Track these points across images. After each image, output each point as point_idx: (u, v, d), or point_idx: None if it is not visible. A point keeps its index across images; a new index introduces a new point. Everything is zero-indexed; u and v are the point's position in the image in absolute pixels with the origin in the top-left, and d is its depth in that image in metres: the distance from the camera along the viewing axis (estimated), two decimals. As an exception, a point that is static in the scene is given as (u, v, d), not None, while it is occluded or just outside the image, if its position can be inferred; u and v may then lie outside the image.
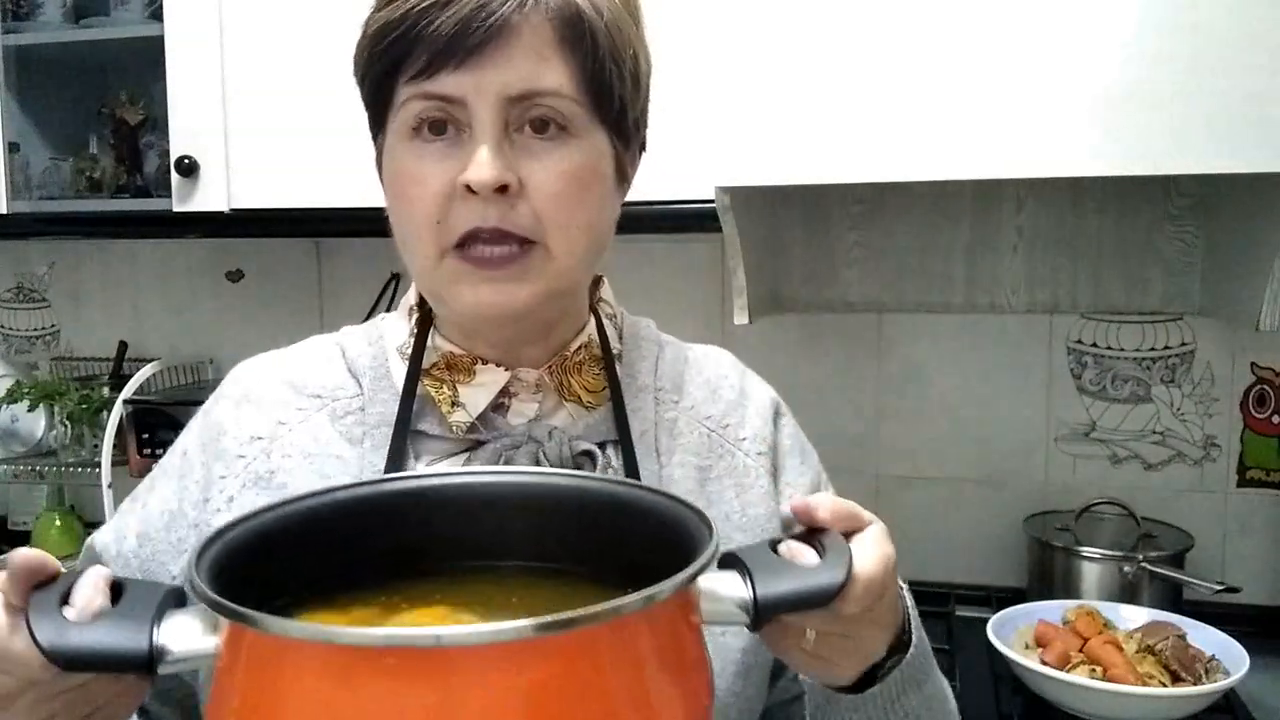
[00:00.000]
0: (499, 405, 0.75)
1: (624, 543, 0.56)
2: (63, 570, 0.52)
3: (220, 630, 0.47)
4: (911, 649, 0.66)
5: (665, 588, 0.45)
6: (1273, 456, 1.64)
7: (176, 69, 1.63)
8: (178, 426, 1.77)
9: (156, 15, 1.65)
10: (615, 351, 0.80)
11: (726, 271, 1.53)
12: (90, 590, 0.50)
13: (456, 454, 0.74)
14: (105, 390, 1.96)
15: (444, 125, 0.67)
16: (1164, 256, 1.65)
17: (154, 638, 0.47)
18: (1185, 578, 1.48)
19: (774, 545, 0.57)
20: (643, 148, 0.78)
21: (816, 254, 1.78)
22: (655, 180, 1.49)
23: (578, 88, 0.68)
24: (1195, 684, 1.25)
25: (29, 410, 1.97)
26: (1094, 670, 1.27)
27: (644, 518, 0.56)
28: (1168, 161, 1.21)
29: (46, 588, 0.51)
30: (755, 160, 1.31)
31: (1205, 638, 1.33)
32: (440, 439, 0.75)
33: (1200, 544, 1.58)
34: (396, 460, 0.72)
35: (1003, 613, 1.40)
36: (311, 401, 0.76)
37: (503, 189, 0.66)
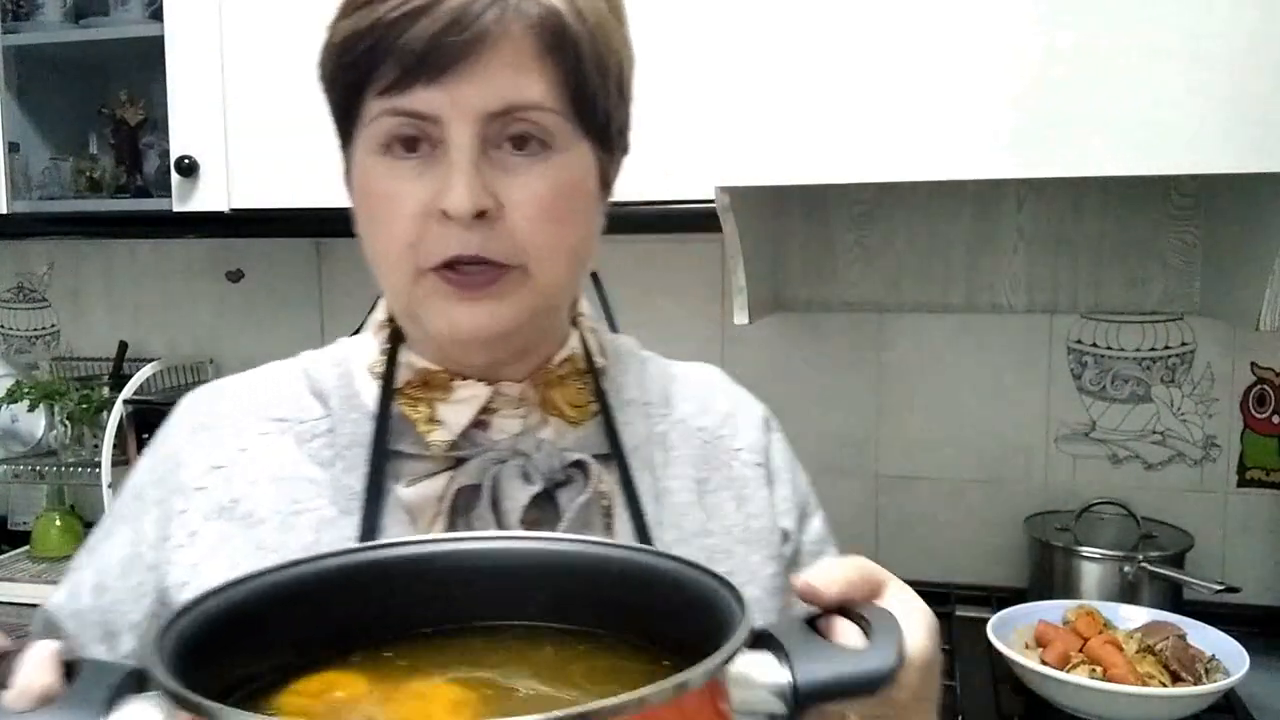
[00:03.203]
0: (480, 422, 0.71)
1: (643, 613, 0.51)
2: (10, 648, 0.47)
3: None
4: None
5: (697, 675, 0.39)
6: (1273, 456, 1.64)
7: (176, 69, 1.63)
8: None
9: (156, 15, 1.65)
10: (599, 365, 0.76)
11: (726, 271, 1.53)
12: (34, 671, 0.44)
13: (438, 472, 0.70)
14: (105, 390, 1.96)
15: (416, 142, 0.64)
16: (1164, 256, 1.65)
17: None
18: (1185, 578, 1.48)
19: (811, 621, 0.52)
20: (625, 151, 0.74)
21: (817, 254, 1.78)
22: (655, 180, 1.49)
23: (560, 100, 0.64)
24: (1195, 684, 1.25)
25: (29, 410, 1.97)
26: (1094, 670, 1.27)
27: (664, 586, 0.51)
28: (1167, 161, 1.21)
29: None
30: (755, 160, 1.31)
31: (1205, 638, 1.33)
32: (419, 458, 0.70)
33: (1200, 544, 1.58)
34: (375, 481, 0.69)
35: (1003, 613, 1.40)
36: (274, 425, 0.72)
37: (481, 214, 0.63)
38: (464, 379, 0.71)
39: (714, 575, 0.49)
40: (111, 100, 1.89)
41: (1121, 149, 1.20)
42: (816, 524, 0.83)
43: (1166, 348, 1.66)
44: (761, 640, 0.48)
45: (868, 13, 1.26)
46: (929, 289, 1.74)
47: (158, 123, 1.83)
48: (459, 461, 0.70)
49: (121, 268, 2.13)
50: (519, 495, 0.68)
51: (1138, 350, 1.67)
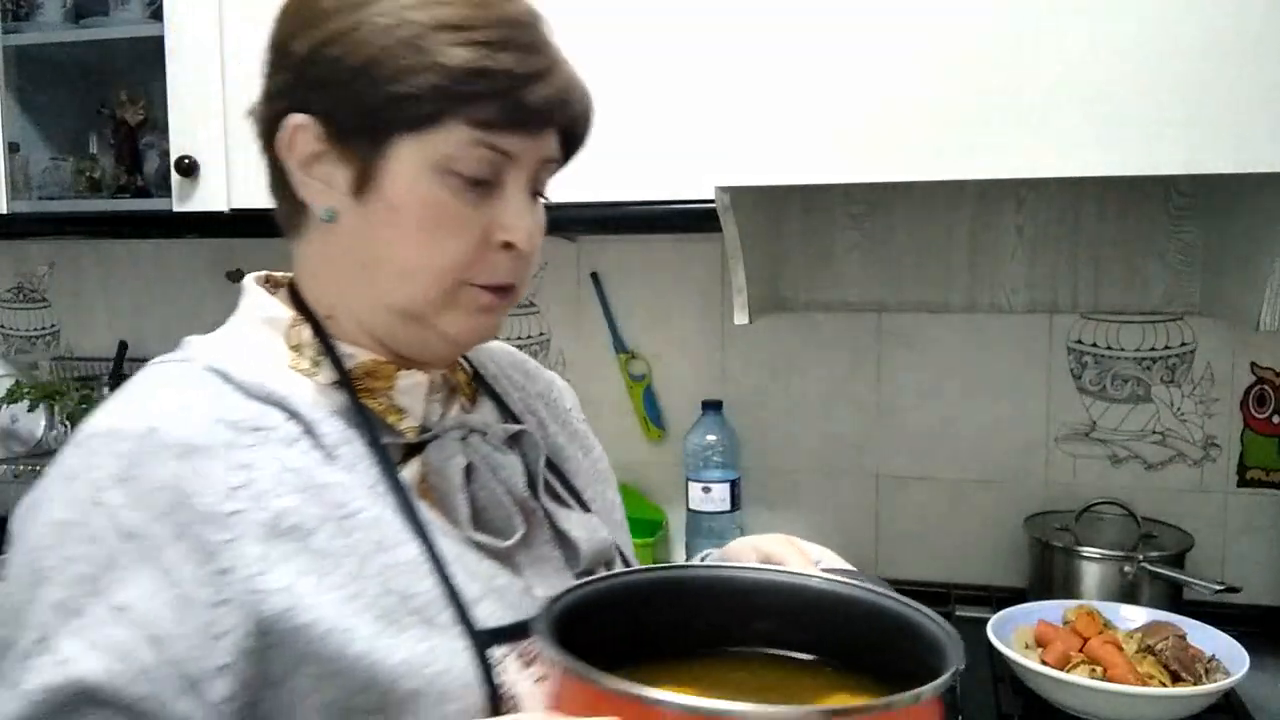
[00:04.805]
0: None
1: (861, 640, 0.65)
2: None
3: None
4: None
5: (928, 690, 0.54)
6: (1273, 456, 1.64)
7: (176, 69, 1.63)
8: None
9: (156, 15, 1.65)
10: None
11: (726, 271, 1.53)
12: None
13: (406, 459, 0.75)
14: (105, 390, 1.96)
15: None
16: (1164, 256, 1.65)
17: None
18: (1185, 578, 1.48)
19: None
20: None
21: (816, 254, 1.78)
22: (655, 180, 1.48)
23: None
24: (1195, 684, 1.25)
25: (29, 410, 1.97)
26: (1094, 670, 1.27)
27: (886, 621, 0.65)
28: (1168, 161, 1.21)
29: None
30: (755, 160, 1.31)
31: (1205, 638, 1.33)
32: (392, 446, 0.75)
33: (1200, 544, 1.58)
34: (392, 475, 0.72)
35: (1003, 613, 1.40)
36: (255, 435, 0.68)
37: None
38: (407, 369, 0.76)
39: (931, 618, 0.63)
40: (111, 100, 1.89)
41: (1121, 149, 1.20)
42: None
43: (1166, 348, 1.66)
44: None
45: (867, 13, 1.26)
46: (929, 289, 1.74)
47: (158, 123, 1.83)
48: (417, 446, 0.75)
49: (121, 268, 2.13)
50: (515, 467, 0.77)
51: (1138, 350, 1.67)
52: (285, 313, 0.75)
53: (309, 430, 0.70)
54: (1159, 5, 1.18)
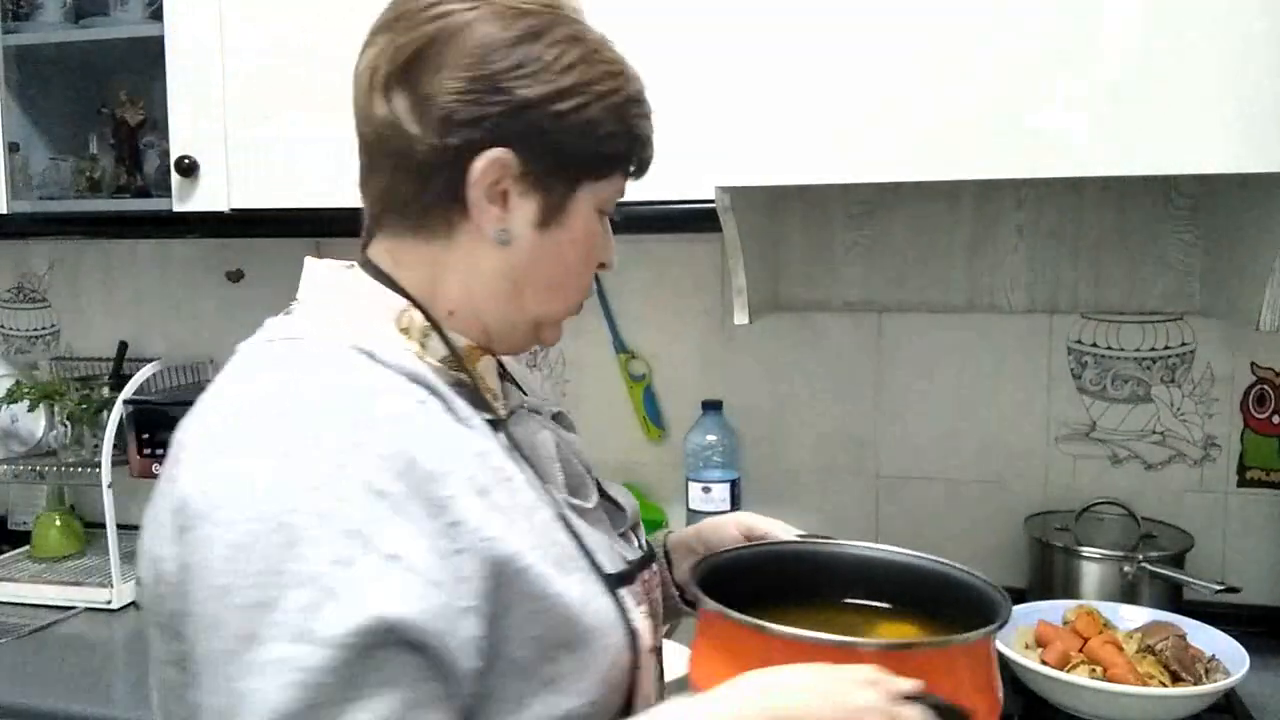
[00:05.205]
0: None
1: (927, 597, 0.89)
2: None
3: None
4: None
5: (973, 635, 0.76)
6: (1273, 456, 1.64)
7: (176, 69, 1.63)
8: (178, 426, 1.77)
9: (156, 15, 1.65)
10: None
11: (726, 271, 1.53)
12: None
13: (497, 431, 0.84)
14: (105, 390, 1.96)
15: None
16: (1164, 256, 1.65)
17: None
18: (1185, 578, 1.48)
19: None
20: None
21: (816, 254, 1.78)
22: (655, 180, 1.48)
23: None
24: (1195, 684, 1.25)
25: (29, 410, 1.97)
26: (1094, 670, 1.27)
27: (942, 582, 0.90)
28: (1168, 161, 1.21)
29: None
30: (755, 160, 1.31)
31: (1205, 638, 1.33)
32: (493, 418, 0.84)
33: (1200, 544, 1.58)
34: (508, 446, 0.81)
35: (1003, 613, 1.40)
36: (422, 408, 0.75)
37: None
38: (485, 354, 0.84)
39: (983, 580, 0.87)
40: (111, 100, 1.89)
41: (1121, 149, 1.20)
42: None
43: (1166, 348, 1.66)
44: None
45: (867, 13, 1.26)
46: (929, 289, 1.74)
47: (158, 123, 1.83)
48: (502, 419, 0.84)
49: (121, 268, 2.13)
50: (577, 441, 0.93)
51: (1138, 350, 1.67)
52: (399, 300, 0.81)
53: (447, 406, 0.77)
54: (1158, 5, 1.18)
